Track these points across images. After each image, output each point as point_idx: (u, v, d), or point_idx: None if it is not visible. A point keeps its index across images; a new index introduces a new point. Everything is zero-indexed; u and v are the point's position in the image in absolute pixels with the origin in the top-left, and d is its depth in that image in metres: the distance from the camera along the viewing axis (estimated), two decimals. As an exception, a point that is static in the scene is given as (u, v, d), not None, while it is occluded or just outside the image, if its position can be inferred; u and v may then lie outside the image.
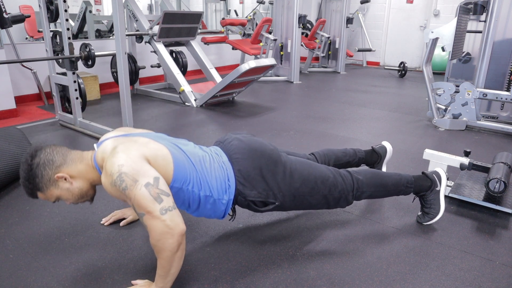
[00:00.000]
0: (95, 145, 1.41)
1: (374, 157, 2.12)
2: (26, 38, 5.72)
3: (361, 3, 7.79)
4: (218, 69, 5.28)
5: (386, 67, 7.57)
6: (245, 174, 1.45)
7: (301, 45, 6.38)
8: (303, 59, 6.92)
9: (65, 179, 1.32)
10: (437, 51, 6.35)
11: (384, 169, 2.16)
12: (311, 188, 1.54)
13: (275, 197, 1.48)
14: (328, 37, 6.93)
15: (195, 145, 1.54)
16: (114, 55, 4.21)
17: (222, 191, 1.42)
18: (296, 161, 1.58)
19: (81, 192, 1.37)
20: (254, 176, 1.45)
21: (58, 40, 3.31)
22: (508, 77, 3.51)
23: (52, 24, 3.39)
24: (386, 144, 2.17)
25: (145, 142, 1.33)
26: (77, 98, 3.28)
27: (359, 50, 7.58)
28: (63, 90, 3.52)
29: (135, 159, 1.22)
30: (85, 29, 5.41)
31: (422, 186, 1.80)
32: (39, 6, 3.13)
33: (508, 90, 3.43)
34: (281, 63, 6.18)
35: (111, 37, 5.64)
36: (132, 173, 1.19)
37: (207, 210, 1.44)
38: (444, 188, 1.80)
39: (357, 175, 1.66)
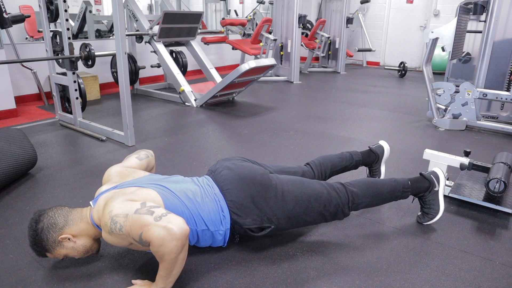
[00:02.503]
0: (91, 203, 1.45)
1: (372, 157, 2.11)
2: (26, 38, 5.72)
3: (361, 3, 7.79)
4: (218, 69, 5.28)
5: (386, 67, 7.57)
6: (237, 204, 1.48)
7: (301, 45, 6.38)
8: (303, 59, 6.92)
9: (69, 239, 1.39)
10: (437, 51, 6.35)
11: (383, 168, 2.16)
12: (305, 207, 1.55)
13: (270, 221, 1.51)
14: (328, 37, 6.93)
15: (187, 179, 1.57)
16: (114, 55, 4.21)
17: (217, 223, 1.46)
18: (287, 181, 1.59)
19: (85, 248, 1.43)
20: (247, 204, 1.48)
21: (58, 40, 3.31)
22: (508, 77, 3.51)
23: (52, 24, 3.39)
24: (383, 143, 2.16)
25: (133, 191, 1.39)
26: (77, 98, 3.28)
27: (359, 50, 7.58)
28: (63, 90, 3.52)
29: (122, 202, 1.29)
30: (85, 29, 5.41)
31: (420, 188, 1.79)
32: (39, 6, 3.13)
33: (508, 90, 3.43)
34: (281, 63, 6.18)
35: (111, 37, 5.64)
36: (121, 211, 1.25)
37: (207, 241, 1.49)
38: (443, 188, 1.80)
39: (351, 188, 1.65)
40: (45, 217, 1.38)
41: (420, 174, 1.84)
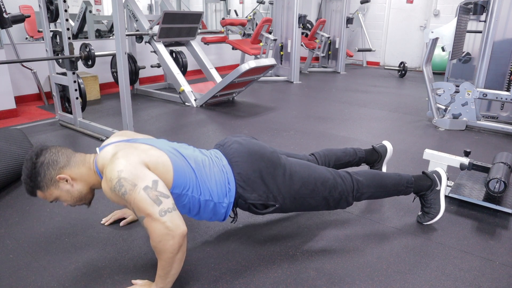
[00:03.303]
0: (97, 149, 1.42)
1: (374, 156, 2.12)
2: (26, 38, 5.72)
3: (361, 3, 7.79)
4: (218, 69, 5.28)
5: (386, 67, 7.57)
6: (245, 177, 1.45)
7: (301, 45, 6.38)
8: (303, 59, 6.92)
9: (67, 180, 1.34)
10: (437, 51, 6.35)
11: (384, 169, 2.16)
12: (311, 189, 1.54)
13: (275, 200, 1.49)
14: (328, 37, 6.93)
15: (195, 149, 1.54)
16: (114, 55, 4.21)
17: (222, 194, 1.43)
18: (296, 163, 1.58)
19: (80, 195, 1.38)
20: (254, 179, 1.46)
21: (58, 40, 3.31)
22: (508, 77, 3.51)
23: (52, 24, 3.39)
24: (387, 144, 2.17)
25: (146, 149, 1.34)
26: (77, 98, 3.28)
27: (359, 50, 7.58)
28: (63, 90, 3.52)
29: (134, 164, 1.24)
30: (85, 29, 5.41)
31: (422, 186, 1.80)
32: (39, 6, 3.13)
33: (508, 90, 3.43)
34: (281, 63, 6.18)
35: (111, 37, 5.64)
36: (131, 178, 1.20)
37: (208, 214, 1.45)
38: (444, 188, 1.80)
39: (357, 176, 1.66)
40: (48, 152, 1.33)
41: (423, 172, 1.85)
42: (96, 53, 3.24)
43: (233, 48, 5.92)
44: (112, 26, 5.14)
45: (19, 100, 4.10)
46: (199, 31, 5.03)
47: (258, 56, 5.55)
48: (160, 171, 1.30)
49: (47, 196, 1.36)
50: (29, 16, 3.74)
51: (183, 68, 5.04)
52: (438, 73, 6.23)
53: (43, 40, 3.43)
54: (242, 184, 1.45)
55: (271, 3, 7.38)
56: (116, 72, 4.27)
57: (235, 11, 7.82)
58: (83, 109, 3.41)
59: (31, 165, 1.30)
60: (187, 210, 1.41)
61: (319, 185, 1.55)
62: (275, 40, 5.55)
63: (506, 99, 3.16)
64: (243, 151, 1.50)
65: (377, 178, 1.71)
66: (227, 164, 1.48)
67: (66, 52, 3.10)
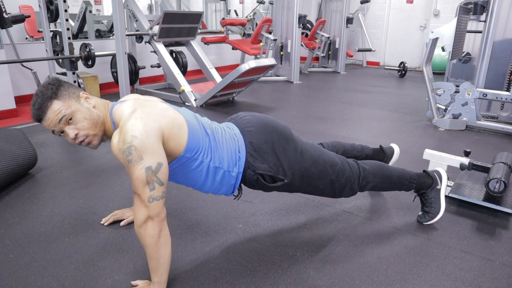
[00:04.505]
0: (110, 105, 1.39)
1: (381, 156, 2.12)
2: (26, 38, 5.72)
3: (361, 3, 7.79)
4: (218, 69, 5.28)
5: (386, 67, 7.57)
6: (256, 147, 1.44)
7: (301, 45, 6.38)
8: (303, 59, 6.92)
9: (89, 99, 1.33)
10: (437, 51, 6.35)
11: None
12: (320, 170, 1.54)
13: (285, 174, 1.47)
14: (328, 37, 6.93)
15: (207, 120, 1.54)
16: (114, 55, 4.21)
17: (232, 163, 1.42)
18: (307, 143, 1.60)
19: (97, 120, 1.32)
20: (266, 149, 1.45)
21: (58, 40, 3.31)
22: (508, 77, 3.51)
23: (52, 24, 3.40)
24: (395, 147, 2.17)
25: (164, 108, 1.34)
26: (77, 98, 3.28)
27: (359, 50, 7.58)
28: (63, 90, 3.51)
29: (149, 133, 1.21)
30: (85, 29, 5.41)
31: (423, 184, 1.80)
32: (39, 6, 3.13)
33: (508, 90, 3.43)
34: (281, 63, 6.18)
35: (111, 37, 5.64)
36: (141, 149, 1.18)
37: (216, 183, 1.43)
38: (444, 187, 1.81)
39: (364, 165, 1.67)
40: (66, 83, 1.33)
41: (424, 171, 1.85)
42: (96, 53, 3.25)
43: (233, 48, 5.93)
44: (112, 26, 5.13)
45: (19, 100, 4.10)
46: (199, 31, 5.03)
47: (258, 56, 5.55)
48: (175, 133, 1.30)
49: (62, 110, 1.25)
50: (29, 16, 3.74)
51: (183, 68, 5.04)
52: (438, 73, 6.24)
53: (43, 40, 3.44)
54: (253, 153, 1.44)
55: (271, 3, 7.38)
56: (116, 72, 4.27)
57: (235, 11, 7.82)
58: (83, 109, 3.40)
59: (55, 80, 1.30)
60: (192, 178, 1.40)
61: (328, 167, 1.56)
62: (275, 40, 5.55)
63: (506, 99, 3.16)
64: (256, 122, 1.50)
65: (383, 169, 1.72)
66: (239, 133, 1.48)
67: (66, 52, 3.11)
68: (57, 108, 1.26)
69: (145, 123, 1.22)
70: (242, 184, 1.52)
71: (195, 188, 1.46)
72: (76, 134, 1.30)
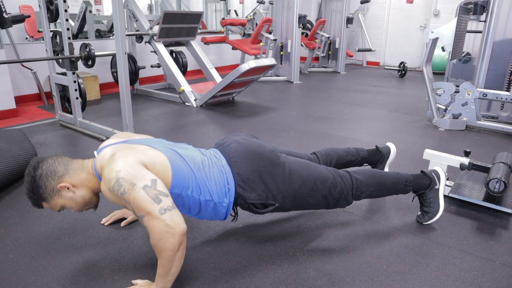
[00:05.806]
0: (95, 152, 1.43)
1: (377, 157, 2.11)
2: (26, 38, 5.72)
3: (361, 3, 7.79)
4: (218, 69, 5.28)
5: (386, 67, 7.57)
6: (244, 177, 1.45)
7: (301, 45, 6.38)
8: (303, 59, 6.92)
9: (68, 188, 1.35)
10: (437, 51, 6.35)
11: (386, 170, 2.16)
12: (310, 189, 1.54)
13: (275, 199, 1.49)
14: (328, 37, 6.93)
15: (195, 149, 1.54)
16: (114, 55, 4.21)
17: (222, 194, 1.43)
18: (295, 162, 1.58)
19: (84, 200, 1.40)
20: (253, 179, 1.46)
21: (58, 40, 3.31)
22: (508, 77, 3.51)
23: (52, 24, 3.39)
24: (391, 145, 2.16)
25: (144, 149, 1.35)
26: (77, 98, 3.28)
27: (359, 50, 7.58)
28: (63, 90, 3.52)
29: (132, 164, 1.25)
30: (85, 29, 5.41)
31: (421, 185, 1.80)
32: (39, 6, 3.13)
33: (508, 90, 3.43)
34: (281, 63, 6.18)
35: (111, 37, 5.63)
36: (129, 177, 1.21)
37: (209, 213, 1.45)
38: (443, 187, 1.81)
39: (356, 175, 1.66)
40: (44, 164, 1.34)
41: (422, 171, 1.85)
42: (96, 53, 3.24)
43: (233, 48, 5.92)
44: (112, 26, 5.13)
45: (19, 100, 4.10)
46: (199, 31, 5.03)
47: (258, 56, 5.55)
48: (159, 171, 1.30)
49: (53, 206, 1.38)
50: (29, 16, 3.74)
51: (183, 68, 5.04)
52: (438, 73, 6.24)
53: (43, 40, 3.43)
54: (241, 184, 1.45)
55: (271, 3, 7.38)
56: (116, 72, 4.27)
57: (235, 11, 7.82)
58: (83, 109, 3.41)
59: (31, 179, 1.32)
60: (187, 210, 1.42)
61: (319, 184, 1.56)
62: (275, 40, 5.55)
63: (506, 99, 3.16)
64: (242, 151, 1.50)
65: (376, 177, 1.71)
66: (226, 164, 1.49)
67: (66, 52, 3.10)
68: (48, 207, 1.39)
69: (125, 159, 1.26)
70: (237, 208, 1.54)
71: (189, 216, 1.46)
72: (74, 211, 1.43)
